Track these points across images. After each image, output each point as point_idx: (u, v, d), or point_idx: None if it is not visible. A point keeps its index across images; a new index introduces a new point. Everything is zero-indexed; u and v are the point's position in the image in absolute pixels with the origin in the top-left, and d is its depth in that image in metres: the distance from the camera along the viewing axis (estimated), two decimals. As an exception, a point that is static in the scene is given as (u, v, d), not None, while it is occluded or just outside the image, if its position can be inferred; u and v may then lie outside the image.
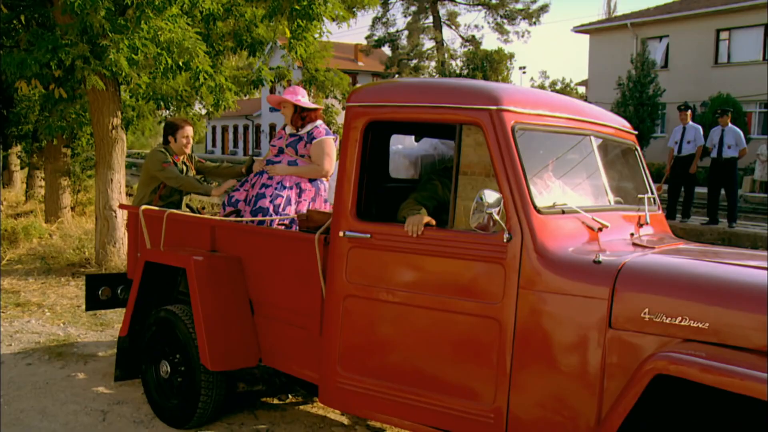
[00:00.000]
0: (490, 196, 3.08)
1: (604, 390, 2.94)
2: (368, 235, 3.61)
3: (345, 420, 4.70)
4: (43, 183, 13.47)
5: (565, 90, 49.17)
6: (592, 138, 3.74)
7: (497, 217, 3.11)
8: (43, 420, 4.63)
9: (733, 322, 2.72)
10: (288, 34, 9.32)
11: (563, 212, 3.33)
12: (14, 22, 9.15)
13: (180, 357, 4.54)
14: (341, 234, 3.68)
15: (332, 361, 3.74)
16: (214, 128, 62.80)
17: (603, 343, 2.94)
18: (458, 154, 3.43)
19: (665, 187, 12.88)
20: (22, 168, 18.51)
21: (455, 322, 3.34)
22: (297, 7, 8.72)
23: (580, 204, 3.49)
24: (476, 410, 3.26)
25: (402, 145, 4.84)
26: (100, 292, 5.47)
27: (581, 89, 42.57)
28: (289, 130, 5.15)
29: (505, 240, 3.18)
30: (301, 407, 4.93)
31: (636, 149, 4.26)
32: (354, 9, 13.18)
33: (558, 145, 3.63)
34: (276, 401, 4.99)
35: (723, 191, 12.52)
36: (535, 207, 3.19)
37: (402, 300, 3.51)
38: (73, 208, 12.38)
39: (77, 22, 7.31)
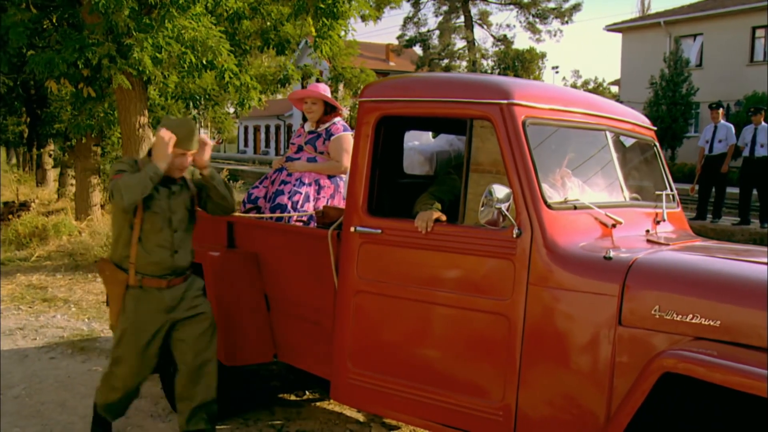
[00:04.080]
0: (500, 191, 3.05)
1: (614, 388, 2.88)
2: (379, 231, 3.60)
3: (360, 417, 4.70)
4: (74, 181, 13.66)
5: (598, 89, 48.68)
6: (608, 133, 3.68)
7: (506, 213, 3.07)
8: (63, 413, 4.69)
9: (745, 320, 2.65)
10: (314, 33, 9.36)
11: (575, 208, 3.28)
12: (46, 22, 9.29)
13: (196, 352, 4.56)
14: (352, 229, 3.67)
15: (343, 357, 3.73)
16: (246, 128, 63.30)
17: (612, 341, 2.89)
18: (469, 149, 3.40)
19: (698, 187, 12.66)
20: (54, 166, 18.81)
21: (464, 319, 3.31)
22: (321, 5, 8.76)
23: (594, 200, 3.44)
24: (485, 408, 3.23)
25: (419, 141, 4.82)
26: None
27: (614, 89, 42.13)
28: (308, 127, 5.16)
29: (514, 235, 3.14)
30: (318, 404, 4.93)
31: (655, 145, 4.19)
32: (381, 7, 13.19)
33: (571, 140, 3.58)
34: (293, 397, 5.00)
35: (755, 191, 12.28)
36: (545, 202, 3.15)
37: (411, 296, 3.48)
38: (102, 206, 12.53)
39: (103, 21, 7.41)
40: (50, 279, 8.67)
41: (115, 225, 3.87)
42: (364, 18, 10.86)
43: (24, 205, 13.04)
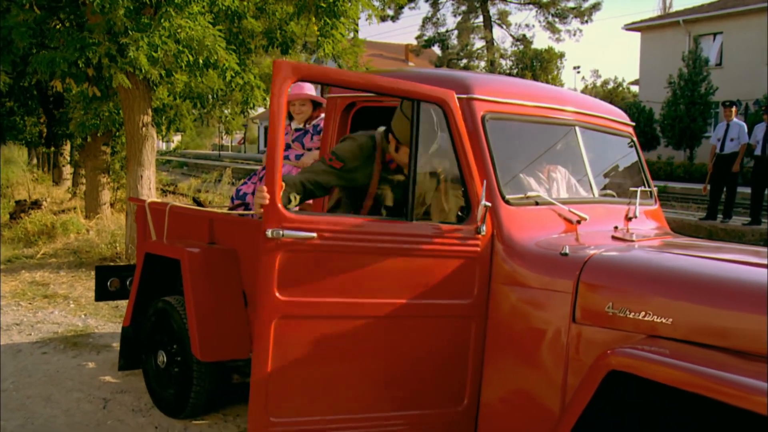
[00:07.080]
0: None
1: (567, 386, 2.85)
2: (313, 235, 2.90)
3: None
4: (84, 180, 13.81)
5: (618, 89, 48.21)
6: (578, 129, 3.64)
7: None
8: (47, 406, 4.73)
9: (696, 318, 2.59)
10: (316, 32, 9.37)
11: (537, 204, 3.25)
12: (55, 21, 9.36)
13: (176, 347, 4.60)
14: (269, 233, 2.81)
15: (260, 408, 3.11)
16: (266, 128, 63.81)
17: (567, 338, 2.86)
18: (416, 137, 3.03)
19: (709, 186, 12.49)
20: (65, 165, 19.01)
21: (425, 328, 3.11)
22: (322, 4, 8.77)
23: (560, 196, 3.41)
24: (447, 414, 3.16)
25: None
26: (109, 283, 5.56)
27: (634, 88, 41.72)
28: (294, 125, 5.17)
29: (472, 233, 3.10)
30: (299, 400, 4.93)
31: (633, 141, 4.14)
32: (387, 4, 13.15)
33: (537, 135, 3.54)
34: (275, 394, 5.01)
35: (767, 191, 12.09)
36: (503, 198, 3.12)
37: (361, 313, 2.99)
38: (112, 205, 12.65)
39: (103, 21, 7.48)
40: (53, 276, 8.76)
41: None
42: (369, 17, 10.84)
43: (36, 204, 13.16)
